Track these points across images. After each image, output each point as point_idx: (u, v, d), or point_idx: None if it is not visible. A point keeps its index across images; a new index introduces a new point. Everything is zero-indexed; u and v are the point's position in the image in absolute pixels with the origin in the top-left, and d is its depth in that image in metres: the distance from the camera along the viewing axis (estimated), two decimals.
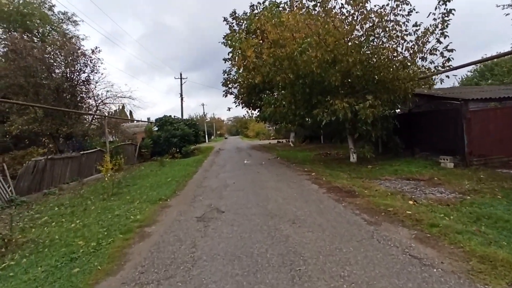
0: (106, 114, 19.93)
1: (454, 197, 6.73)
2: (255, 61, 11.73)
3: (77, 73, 15.62)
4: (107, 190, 10.18)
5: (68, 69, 15.03)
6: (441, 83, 12.59)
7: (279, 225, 4.84)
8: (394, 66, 11.85)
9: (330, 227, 4.58)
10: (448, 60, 11.33)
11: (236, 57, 12.24)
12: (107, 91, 21.19)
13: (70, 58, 14.70)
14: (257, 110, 26.60)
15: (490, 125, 10.05)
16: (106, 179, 10.18)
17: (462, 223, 4.64)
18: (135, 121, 39.09)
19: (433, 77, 12.48)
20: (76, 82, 15.91)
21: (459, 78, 25.74)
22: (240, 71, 15.18)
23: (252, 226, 4.92)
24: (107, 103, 22.46)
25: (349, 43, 11.73)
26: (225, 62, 21.82)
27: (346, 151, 17.22)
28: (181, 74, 33.21)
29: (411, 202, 6.23)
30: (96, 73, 17.02)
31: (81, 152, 14.68)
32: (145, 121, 31.45)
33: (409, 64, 11.58)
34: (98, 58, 16.76)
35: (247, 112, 28.30)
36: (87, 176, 15.17)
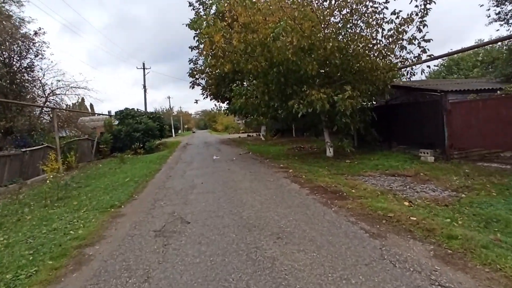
0: (55, 106, 17.75)
1: (448, 195, 6.09)
2: (224, 46, 10.51)
3: (17, 58, 13.46)
4: (52, 194, 8.61)
5: (5, 53, 12.85)
6: (410, 77, 12.09)
7: (260, 241, 3.80)
8: (373, 55, 11.20)
9: (325, 243, 3.61)
10: (424, 51, 10.90)
11: (203, 43, 10.89)
12: (58, 81, 18.91)
13: (8, 39, 12.58)
14: (226, 103, 25.34)
15: (472, 117, 9.67)
16: (48, 181, 8.57)
17: (476, 230, 3.90)
18: (95, 115, 36.23)
19: (405, 69, 11.98)
20: (16, 68, 13.73)
21: (427, 72, 25.97)
22: (208, 60, 13.87)
23: (226, 244, 3.82)
24: (58, 94, 20.21)
25: (326, 30, 10.90)
26: (191, 51, 20.32)
27: (320, 144, 16.58)
28: (143, 64, 31.00)
29: (406, 203, 5.47)
30: (41, 58, 14.89)
31: (23, 150, 12.69)
32: (104, 114, 29.02)
33: (388, 53, 10.97)
34: (44, 42, 14.66)
35: (215, 105, 27.00)
36: (32, 177, 13.22)
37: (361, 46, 10.98)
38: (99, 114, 36.16)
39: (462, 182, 7.03)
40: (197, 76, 22.36)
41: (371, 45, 11.14)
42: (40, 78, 19.03)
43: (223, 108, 47.63)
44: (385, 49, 10.96)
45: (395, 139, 12.71)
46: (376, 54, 11.26)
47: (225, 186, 7.35)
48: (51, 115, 19.31)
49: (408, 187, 6.93)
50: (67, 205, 7.45)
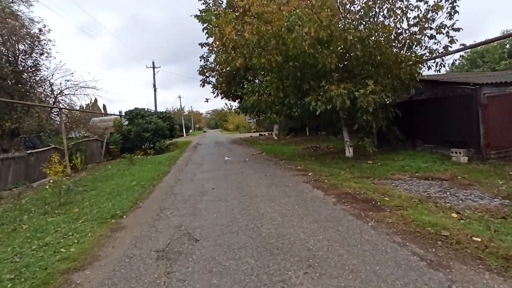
0: (63, 107, 17.34)
1: (501, 204, 5.18)
2: (235, 39, 9.74)
3: (23, 57, 13.01)
4: (55, 199, 8.04)
5: (9, 51, 12.40)
6: (439, 69, 11.04)
7: (286, 271, 3.00)
8: (396, 46, 10.26)
9: (373, 276, 2.78)
10: (453, 41, 9.92)
11: (213, 35, 10.13)
12: (67, 81, 18.50)
13: (13, 37, 12.13)
14: (237, 101, 24.62)
15: None
16: (48, 186, 7.99)
17: None
18: (105, 115, 36.10)
19: (432, 61, 10.95)
20: (21, 68, 13.29)
21: (458, 62, 24.47)
22: (219, 55, 13.12)
23: (243, 274, 3.04)
24: (67, 94, 19.85)
25: (346, 19, 10.03)
26: (201, 47, 19.68)
27: (336, 144, 15.70)
28: (153, 63, 30.49)
29: (454, 215, 4.59)
30: (47, 57, 14.42)
31: (29, 151, 12.23)
32: (114, 115, 28.72)
33: (414, 43, 10.00)
34: (49, 40, 14.19)
35: (226, 104, 26.31)
36: (38, 179, 12.77)
37: (384, 36, 10.08)
38: (109, 115, 36.02)
39: (510, 187, 6.11)
40: (207, 74, 21.70)
41: (395, 35, 10.22)
42: (48, 78, 18.71)
43: (234, 107, 47.08)
44: (411, 39, 10.01)
45: (419, 138, 11.73)
46: (400, 46, 10.33)
47: (239, 193, 6.58)
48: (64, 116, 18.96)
49: (448, 193, 6.03)
50: (67, 212, 6.83)
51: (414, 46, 10.07)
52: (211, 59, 20.88)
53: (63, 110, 17.24)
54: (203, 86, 22.06)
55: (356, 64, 10.31)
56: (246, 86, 12.73)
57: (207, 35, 10.34)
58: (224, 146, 21.69)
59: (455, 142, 9.65)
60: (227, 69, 19.62)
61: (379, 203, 5.14)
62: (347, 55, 10.29)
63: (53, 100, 19.33)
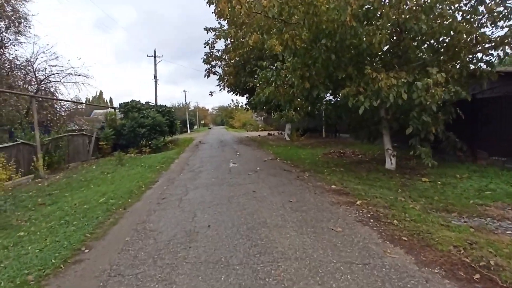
0: (39, 95, 14.80)
1: None
2: (248, 3, 7.03)
3: None
4: None
5: None
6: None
7: None
8: (472, 20, 7.43)
9: None
10: None
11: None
12: (53, 66, 16.01)
13: None
14: (245, 96, 21.93)
15: None
16: None
17: None
18: (100, 108, 33.68)
19: None
20: None
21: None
22: (224, 32, 10.40)
23: None
24: (52, 82, 17.36)
25: None
26: (207, 33, 17.07)
27: (363, 149, 12.94)
28: (155, 52, 27.85)
29: None
30: (22, 33, 11.85)
31: None
32: (111, 107, 26.21)
33: (499, 17, 7.17)
34: (25, 13, 11.61)
35: (232, 101, 23.64)
36: None
37: (455, 6, 7.30)
38: (102, 107, 33.47)
39: None
40: (213, 63, 19.01)
41: (470, 8, 7.41)
42: (30, 62, 16.24)
43: (240, 104, 44.16)
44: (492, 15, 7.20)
45: (484, 148, 8.96)
46: (484, 19, 7.48)
47: (252, 243, 3.81)
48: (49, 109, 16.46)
49: None
50: None
51: (498, 22, 7.22)
52: (218, 45, 18.24)
53: (44, 99, 14.77)
54: (208, 76, 19.39)
55: (413, 45, 7.58)
56: (259, 74, 10.01)
57: (207, 3, 7.64)
58: (229, 146, 18.99)
59: None
60: (235, 58, 16.96)
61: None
62: (402, 32, 7.54)
63: (36, 87, 16.89)
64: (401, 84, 6.54)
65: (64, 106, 19.22)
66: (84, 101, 28.68)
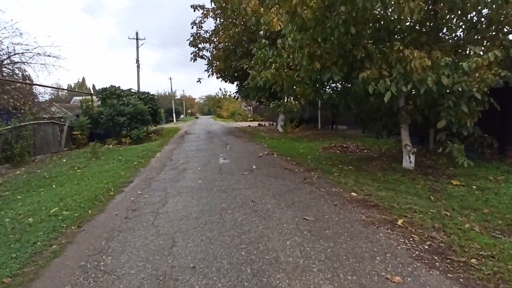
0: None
1: None
2: None
3: None
4: None
5: None
6: None
7: None
8: None
9: None
10: None
11: None
12: (17, 44, 13.96)
13: None
14: (235, 84, 20.25)
15: None
16: None
17: None
18: (71, 91, 31.28)
19: None
20: None
21: None
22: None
23: None
24: (17, 62, 15.26)
25: None
26: (194, 11, 15.23)
27: (367, 143, 11.63)
28: (137, 33, 25.48)
29: None
30: None
31: None
32: (85, 93, 24.02)
33: None
34: None
35: (220, 89, 21.90)
36: None
37: None
38: (81, 93, 30.94)
39: None
40: (200, 46, 17.17)
41: None
42: None
43: (229, 92, 42.18)
44: None
45: None
46: None
47: None
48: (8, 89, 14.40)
49: None
50: None
51: None
52: (206, 25, 16.42)
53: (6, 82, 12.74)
54: (195, 60, 17.57)
55: (451, 18, 6.15)
56: (256, 54, 8.40)
57: None
58: (218, 138, 17.37)
59: None
60: (225, 40, 15.22)
61: None
62: (435, 3, 6.08)
63: None
64: (443, 64, 5.10)
65: (34, 91, 17.14)
66: (64, 88, 26.31)
